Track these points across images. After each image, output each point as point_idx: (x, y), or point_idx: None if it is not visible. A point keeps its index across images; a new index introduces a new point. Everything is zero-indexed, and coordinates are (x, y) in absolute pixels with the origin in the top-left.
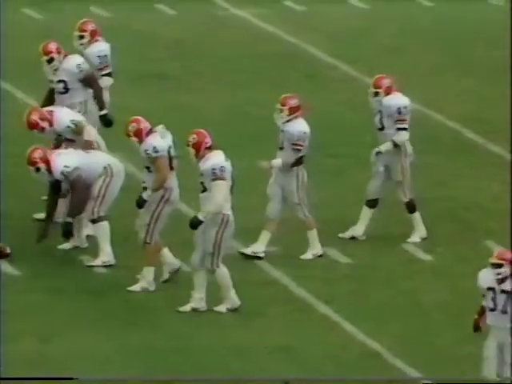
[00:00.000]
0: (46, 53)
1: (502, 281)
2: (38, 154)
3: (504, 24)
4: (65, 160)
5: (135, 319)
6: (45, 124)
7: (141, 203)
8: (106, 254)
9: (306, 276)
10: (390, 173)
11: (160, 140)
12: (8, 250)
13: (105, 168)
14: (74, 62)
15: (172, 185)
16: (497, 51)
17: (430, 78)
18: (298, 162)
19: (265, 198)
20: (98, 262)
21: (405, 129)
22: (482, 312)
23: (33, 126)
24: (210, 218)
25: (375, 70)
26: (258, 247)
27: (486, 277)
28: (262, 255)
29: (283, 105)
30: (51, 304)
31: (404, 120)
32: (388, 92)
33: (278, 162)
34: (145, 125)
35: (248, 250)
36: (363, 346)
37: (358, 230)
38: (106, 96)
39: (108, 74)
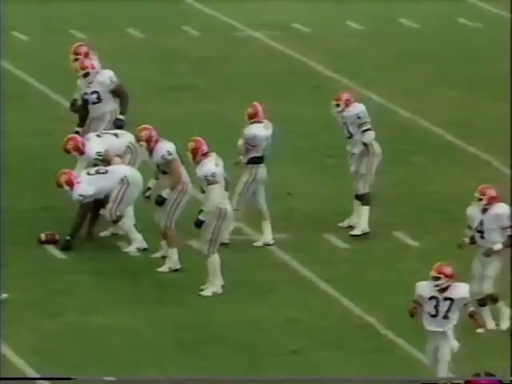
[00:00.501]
0: (83, 68)
1: (443, 290)
2: (63, 179)
3: (481, 43)
4: (82, 189)
5: (164, 297)
6: (76, 153)
7: (161, 201)
8: (138, 241)
9: (311, 259)
10: (358, 167)
11: (170, 144)
12: (57, 237)
13: (121, 179)
14: (107, 75)
15: (187, 178)
16: (476, 66)
17: (418, 89)
18: (252, 160)
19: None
20: (132, 248)
21: (369, 129)
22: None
23: (67, 152)
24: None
25: (371, 83)
26: (266, 238)
27: (426, 288)
28: (272, 242)
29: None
30: (92, 283)
31: (365, 122)
32: (347, 104)
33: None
34: (155, 133)
35: (260, 243)
36: (359, 318)
37: (354, 219)
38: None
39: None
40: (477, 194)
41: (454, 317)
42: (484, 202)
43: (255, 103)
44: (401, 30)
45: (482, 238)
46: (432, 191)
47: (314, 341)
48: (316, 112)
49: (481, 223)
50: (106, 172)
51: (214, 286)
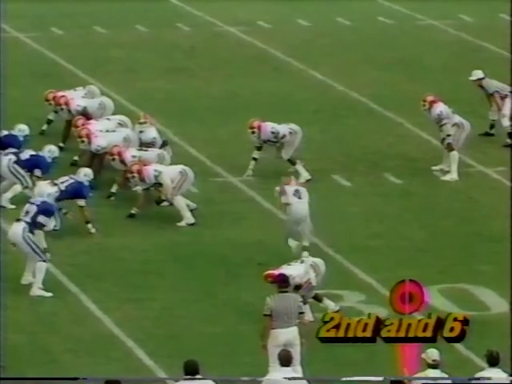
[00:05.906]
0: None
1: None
2: (84, 133)
3: (395, 35)
4: (99, 142)
5: (163, 224)
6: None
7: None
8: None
9: (271, 196)
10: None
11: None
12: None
13: (124, 138)
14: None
15: None
16: (392, 53)
17: (351, 70)
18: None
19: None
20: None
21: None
22: None
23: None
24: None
25: (316, 65)
26: (188, 219)
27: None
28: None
29: None
30: (111, 214)
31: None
32: (259, 129)
33: None
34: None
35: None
36: None
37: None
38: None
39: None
40: None
41: None
42: None
43: None
44: (338, 26)
45: None
46: (361, 145)
47: (274, 256)
48: (275, 86)
49: None
50: (114, 131)
51: (185, 219)
